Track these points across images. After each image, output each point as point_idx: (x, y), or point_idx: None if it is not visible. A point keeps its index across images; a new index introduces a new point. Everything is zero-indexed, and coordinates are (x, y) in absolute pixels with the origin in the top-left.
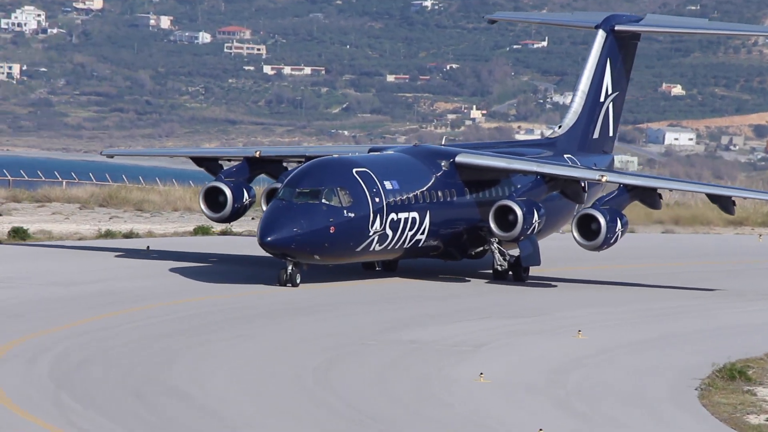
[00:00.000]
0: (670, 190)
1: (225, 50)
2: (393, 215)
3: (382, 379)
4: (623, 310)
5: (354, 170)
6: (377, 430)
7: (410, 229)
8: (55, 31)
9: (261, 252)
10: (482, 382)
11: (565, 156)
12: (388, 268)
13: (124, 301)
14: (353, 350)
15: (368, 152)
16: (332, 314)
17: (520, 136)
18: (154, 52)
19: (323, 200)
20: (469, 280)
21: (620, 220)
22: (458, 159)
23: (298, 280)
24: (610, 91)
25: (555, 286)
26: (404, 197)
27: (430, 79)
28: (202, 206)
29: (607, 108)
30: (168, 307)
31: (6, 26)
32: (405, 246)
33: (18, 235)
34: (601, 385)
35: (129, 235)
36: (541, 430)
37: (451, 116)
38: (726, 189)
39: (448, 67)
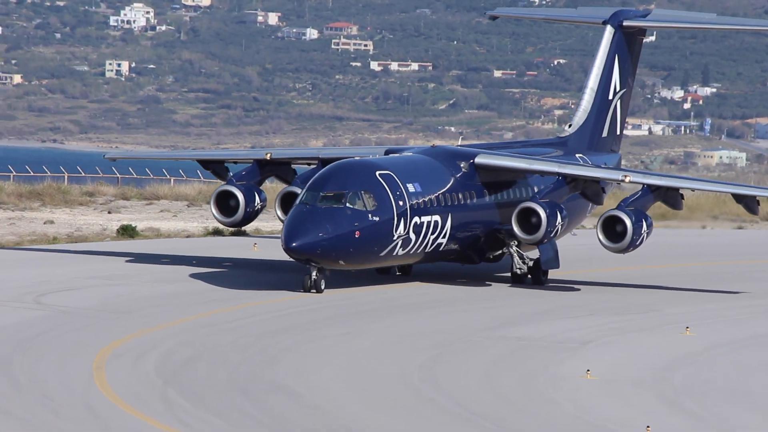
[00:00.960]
0: (693, 190)
1: (332, 46)
2: (416, 219)
3: (489, 375)
4: (727, 307)
5: (377, 173)
6: (483, 427)
7: (432, 233)
8: (163, 28)
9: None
10: (589, 379)
11: (577, 155)
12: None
13: (230, 299)
14: (460, 347)
15: (384, 154)
16: (438, 311)
17: (628, 132)
18: (262, 48)
19: (347, 204)
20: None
21: (645, 221)
22: (478, 160)
23: (323, 286)
24: (618, 89)
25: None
26: (427, 200)
27: (538, 75)
28: (214, 211)
29: (615, 106)
30: (274, 304)
31: (115, 23)
32: (427, 250)
33: (126, 232)
34: (709, 382)
35: (236, 233)
36: (648, 427)
37: (558, 112)
38: (750, 189)
39: (555, 63)
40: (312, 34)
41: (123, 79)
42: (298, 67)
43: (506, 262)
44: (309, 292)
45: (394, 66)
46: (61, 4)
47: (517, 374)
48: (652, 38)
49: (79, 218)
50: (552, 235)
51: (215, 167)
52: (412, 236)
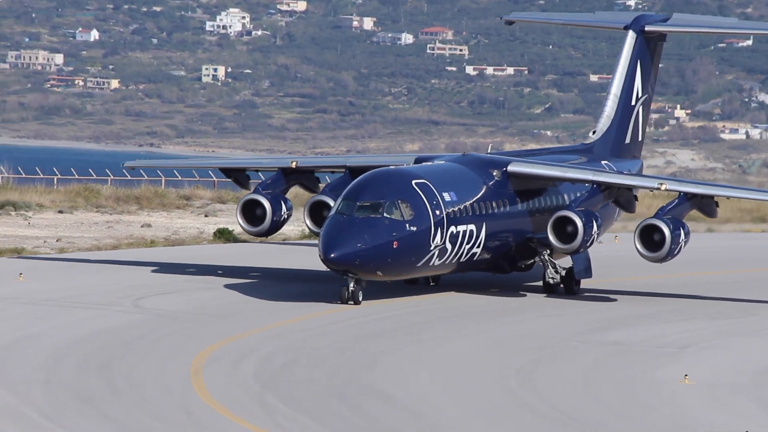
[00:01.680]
0: (728, 197)
1: (427, 51)
2: (453, 228)
3: (586, 380)
4: None
5: (413, 182)
6: None
7: (467, 242)
8: (259, 33)
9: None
10: (687, 384)
11: (603, 162)
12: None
13: (327, 302)
14: (557, 351)
15: (414, 162)
16: (534, 315)
17: (725, 136)
18: (357, 53)
19: (385, 214)
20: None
21: (683, 229)
22: (511, 168)
23: (361, 298)
24: (640, 94)
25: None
26: (462, 209)
27: None
28: (240, 220)
29: (638, 112)
30: (371, 307)
31: (211, 28)
32: (461, 260)
33: (223, 236)
34: None
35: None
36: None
37: (654, 115)
38: None
39: None
40: (407, 38)
41: (219, 83)
42: (393, 72)
43: (535, 272)
44: (346, 303)
45: (489, 70)
46: (158, 9)
47: (615, 379)
48: (749, 42)
49: (176, 221)
50: (588, 244)
51: (237, 176)
52: (448, 246)
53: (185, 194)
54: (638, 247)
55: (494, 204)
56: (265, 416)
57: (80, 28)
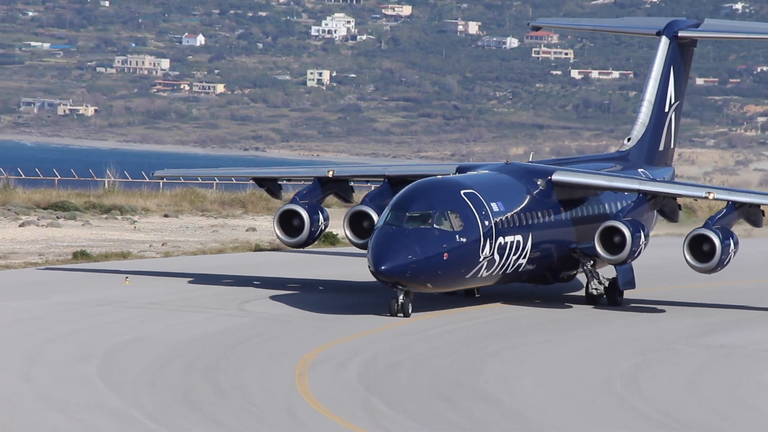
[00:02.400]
0: None
1: (532, 55)
2: (501, 239)
3: (692, 383)
4: None
5: (462, 191)
6: None
7: (514, 253)
8: (364, 37)
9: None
10: None
11: (639, 170)
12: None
13: (429, 305)
14: (662, 354)
15: (456, 171)
16: (639, 318)
17: None
18: (462, 57)
19: (434, 225)
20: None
21: (732, 239)
22: (555, 177)
23: (410, 310)
24: (673, 101)
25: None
26: (509, 219)
27: (740, 82)
28: (277, 231)
29: (670, 118)
30: (475, 311)
31: (317, 33)
32: (507, 271)
33: (327, 240)
34: None
35: None
36: None
37: (761, 119)
38: None
39: (758, 70)
40: (512, 42)
41: (324, 87)
42: (498, 76)
43: (574, 282)
44: (396, 316)
45: (594, 74)
46: (264, 14)
47: (721, 382)
48: None
49: None
50: (636, 255)
51: (270, 185)
52: (496, 257)
53: (289, 198)
54: (687, 257)
55: (539, 214)
56: (369, 419)
57: (186, 33)
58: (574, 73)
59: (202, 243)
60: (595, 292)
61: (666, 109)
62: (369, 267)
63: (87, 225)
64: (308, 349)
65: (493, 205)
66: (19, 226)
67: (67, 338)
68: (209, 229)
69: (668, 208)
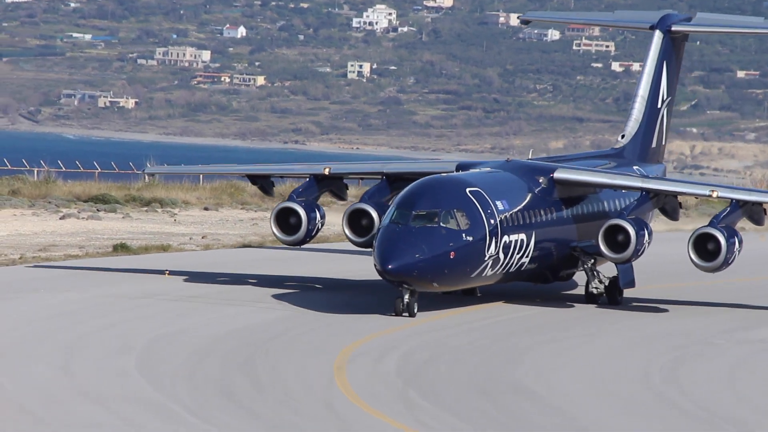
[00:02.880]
0: None
1: (573, 47)
2: (506, 237)
3: (731, 378)
4: None
5: (467, 190)
6: (725, 430)
7: (518, 252)
8: (405, 29)
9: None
10: None
11: (634, 167)
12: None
13: (466, 299)
14: (701, 349)
15: (456, 169)
16: (670, 315)
17: None
18: (503, 49)
19: (441, 223)
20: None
21: (737, 237)
22: (557, 175)
23: (416, 310)
24: (665, 97)
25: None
26: (513, 217)
27: None
28: (274, 229)
29: (662, 115)
30: (511, 306)
31: (357, 25)
32: (510, 270)
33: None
34: None
35: None
36: None
37: None
38: None
39: None
40: (553, 35)
41: (364, 80)
42: (539, 68)
43: (570, 281)
44: (401, 315)
45: (635, 67)
46: (305, 6)
47: (760, 377)
48: None
49: None
50: (640, 254)
51: (262, 182)
52: (501, 256)
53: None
54: (692, 256)
55: (542, 212)
56: (408, 413)
57: (227, 25)
58: (615, 66)
59: (242, 236)
60: (595, 291)
61: (659, 105)
62: (375, 266)
63: (127, 218)
64: (347, 342)
65: (498, 203)
66: (60, 218)
67: (106, 331)
68: (249, 222)
69: (669, 206)
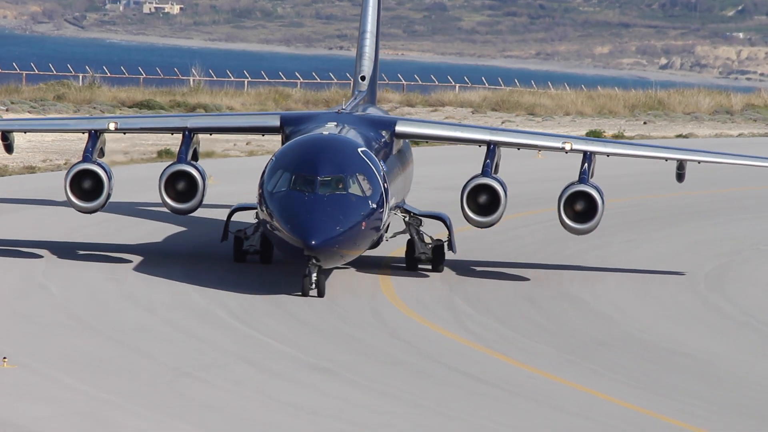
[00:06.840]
0: (633, 156)
1: None
2: (392, 200)
3: None
4: None
5: (359, 150)
6: None
7: (389, 214)
8: None
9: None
10: None
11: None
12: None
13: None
14: (747, 256)
15: (281, 120)
16: (726, 218)
17: None
18: None
19: (349, 190)
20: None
21: (603, 195)
22: (398, 128)
23: (325, 288)
24: (378, 29)
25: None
26: (388, 178)
27: None
28: (70, 196)
29: (377, 50)
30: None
31: None
32: (383, 233)
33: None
34: None
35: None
36: None
37: None
38: (681, 152)
39: None
40: None
41: None
42: None
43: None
44: (308, 295)
45: None
46: None
47: None
48: None
49: None
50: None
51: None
52: (387, 220)
53: None
54: (564, 218)
55: (394, 170)
56: (454, 320)
57: None
58: None
59: None
60: (423, 256)
61: (377, 39)
62: (294, 242)
63: None
64: (389, 251)
65: (381, 163)
66: None
67: (149, 237)
68: None
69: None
